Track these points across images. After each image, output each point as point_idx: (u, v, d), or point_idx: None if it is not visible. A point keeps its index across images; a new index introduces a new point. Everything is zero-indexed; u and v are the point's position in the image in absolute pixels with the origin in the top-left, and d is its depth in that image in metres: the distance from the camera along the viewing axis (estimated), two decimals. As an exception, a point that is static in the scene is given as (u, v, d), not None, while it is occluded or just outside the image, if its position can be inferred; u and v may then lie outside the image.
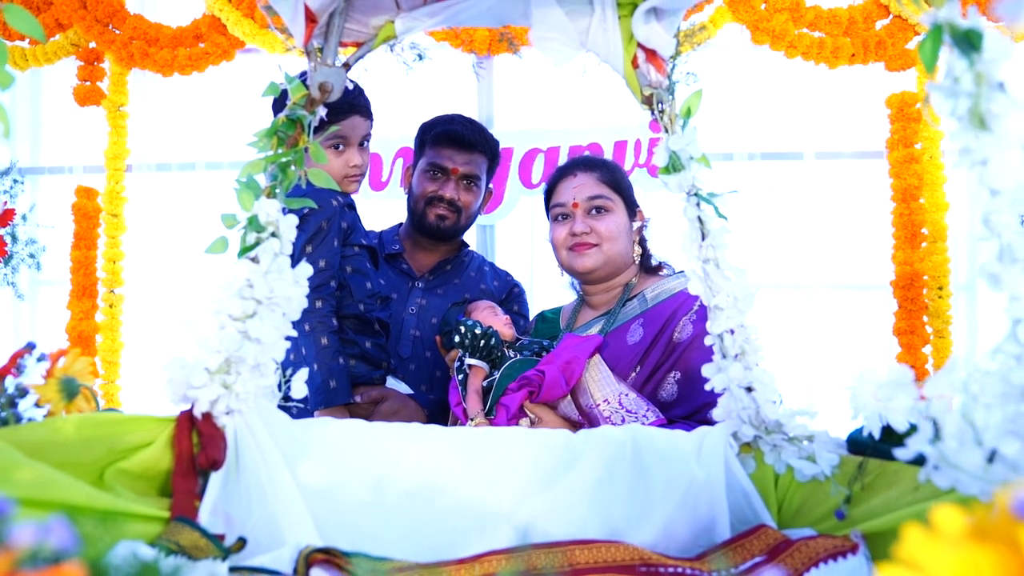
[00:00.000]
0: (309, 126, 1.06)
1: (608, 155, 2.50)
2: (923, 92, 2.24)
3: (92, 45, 2.45)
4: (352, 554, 0.84)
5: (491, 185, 1.69)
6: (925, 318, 2.16)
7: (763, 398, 1.05)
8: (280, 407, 1.05)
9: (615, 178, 1.49)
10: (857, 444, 1.01)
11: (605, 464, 1.01)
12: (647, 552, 0.86)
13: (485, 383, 1.34)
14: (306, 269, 1.02)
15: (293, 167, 1.05)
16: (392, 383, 1.46)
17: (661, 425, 1.26)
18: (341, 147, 1.46)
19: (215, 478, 0.95)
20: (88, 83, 2.49)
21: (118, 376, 2.44)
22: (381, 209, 2.30)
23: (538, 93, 2.56)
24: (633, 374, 1.35)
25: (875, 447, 0.93)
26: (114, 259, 2.48)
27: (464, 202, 1.60)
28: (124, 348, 2.48)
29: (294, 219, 1.04)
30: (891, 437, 0.88)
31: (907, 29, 2.09)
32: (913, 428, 0.72)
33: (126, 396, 2.47)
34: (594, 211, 1.44)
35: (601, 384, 1.29)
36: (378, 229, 1.74)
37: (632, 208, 1.50)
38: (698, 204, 1.08)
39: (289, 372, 1.05)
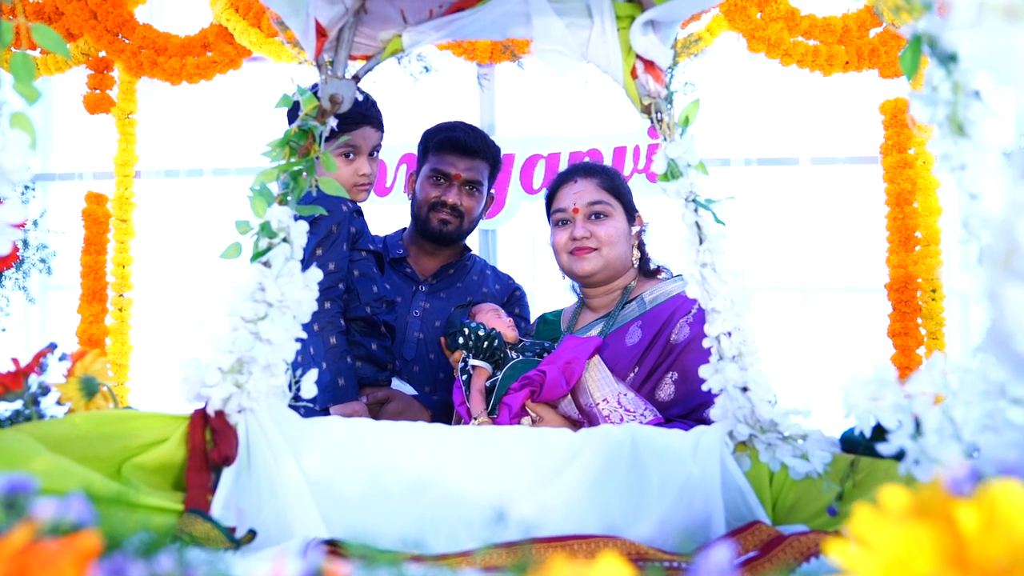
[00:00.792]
0: (320, 136, 1.09)
1: (608, 161, 2.53)
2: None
3: (102, 54, 2.49)
4: (353, 546, 0.86)
5: (493, 190, 1.72)
6: (919, 320, 2.19)
7: (758, 398, 1.08)
8: (290, 406, 1.08)
9: (614, 184, 1.53)
10: (850, 443, 1.04)
11: (604, 462, 1.04)
12: (643, 547, 0.89)
13: (488, 383, 1.38)
14: (316, 273, 1.06)
15: (304, 175, 1.09)
16: (397, 384, 1.49)
17: (659, 424, 1.29)
18: (352, 156, 1.50)
19: (227, 473, 0.98)
20: (98, 91, 2.54)
21: (127, 378, 2.47)
22: (385, 214, 2.33)
23: (539, 101, 2.60)
24: (632, 374, 1.39)
25: (867, 446, 0.96)
26: (123, 263, 2.53)
27: (466, 207, 1.64)
28: (133, 351, 2.52)
29: (304, 225, 1.08)
30: (882, 435, 0.91)
31: (900, 37, 2.14)
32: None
33: (135, 398, 2.50)
34: (594, 216, 1.48)
35: (600, 384, 1.33)
36: (382, 234, 1.77)
37: (631, 213, 1.54)
38: (696, 210, 1.11)
39: (299, 372, 1.09)
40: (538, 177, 2.63)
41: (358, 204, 1.53)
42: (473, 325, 1.40)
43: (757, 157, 2.48)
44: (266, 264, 1.05)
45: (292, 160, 1.09)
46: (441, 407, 1.52)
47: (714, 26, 2.16)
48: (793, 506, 1.04)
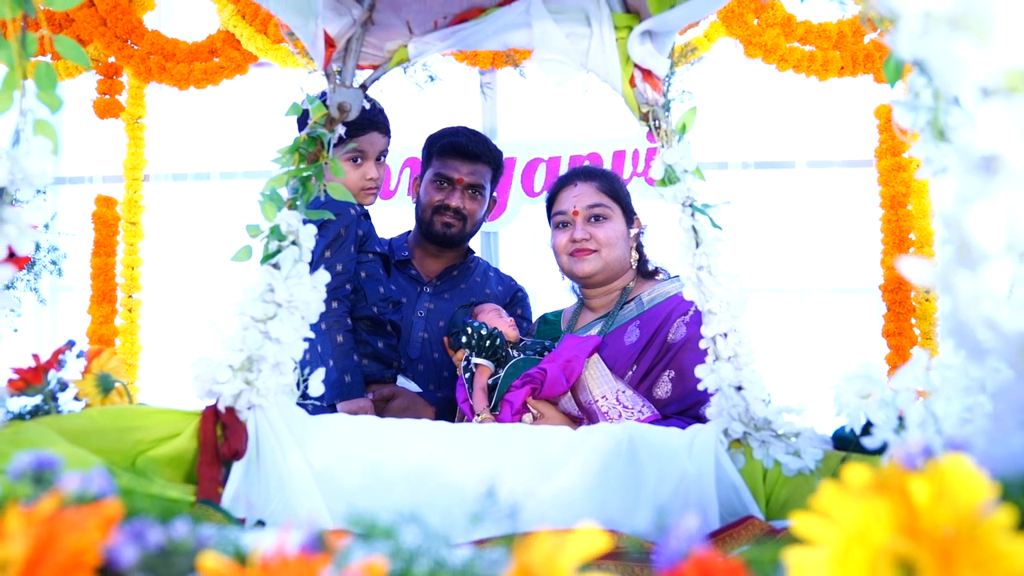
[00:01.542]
0: (328, 143, 1.13)
1: (607, 165, 2.57)
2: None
3: (111, 60, 2.54)
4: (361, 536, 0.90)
5: (495, 194, 1.76)
6: (913, 320, 2.22)
7: (753, 396, 1.11)
8: (298, 404, 1.12)
9: (613, 187, 1.56)
10: (842, 440, 1.07)
11: (602, 458, 1.07)
12: (639, 540, 0.92)
13: (490, 381, 1.41)
14: (323, 275, 1.09)
15: (313, 181, 1.12)
16: (402, 382, 1.53)
17: (655, 421, 1.33)
18: (359, 160, 1.54)
19: (237, 467, 1.01)
20: (107, 96, 2.58)
21: (137, 377, 2.51)
22: (390, 217, 2.37)
23: (540, 105, 2.63)
24: (630, 372, 1.42)
25: (858, 443, 0.98)
26: (132, 265, 2.57)
27: (469, 210, 1.67)
28: (142, 351, 2.56)
29: (313, 228, 1.11)
30: (870, 431, 0.94)
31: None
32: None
33: (144, 397, 2.54)
34: (593, 219, 1.51)
35: (599, 381, 1.36)
36: (388, 237, 1.81)
37: (630, 215, 1.58)
38: (692, 214, 1.14)
39: (307, 371, 1.12)
40: (539, 180, 2.67)
41: (365, 208, 1.57)
42: (476, 325, 1.43)
43: (754, 161, 2.51)
44: (275, 266, 1.09)
45: (301, 166, 1.12)
46: (445, 404, 1.56)
47: (711, 32, 2.20)
48: (786, 502, 1.06)
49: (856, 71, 2.17)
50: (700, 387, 1.14)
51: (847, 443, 1.03)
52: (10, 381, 1.00)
